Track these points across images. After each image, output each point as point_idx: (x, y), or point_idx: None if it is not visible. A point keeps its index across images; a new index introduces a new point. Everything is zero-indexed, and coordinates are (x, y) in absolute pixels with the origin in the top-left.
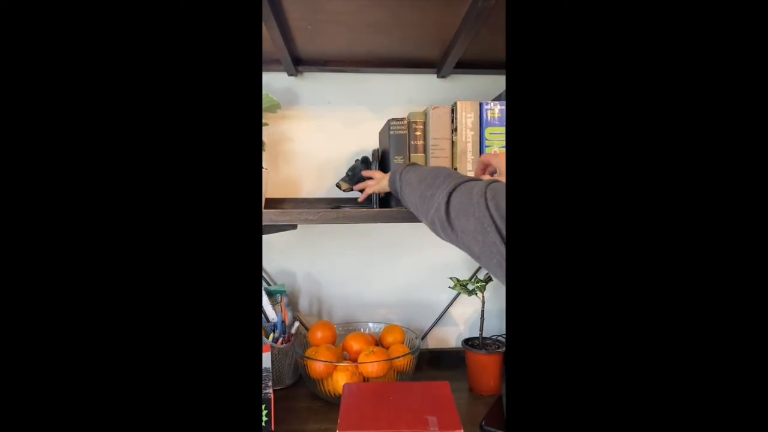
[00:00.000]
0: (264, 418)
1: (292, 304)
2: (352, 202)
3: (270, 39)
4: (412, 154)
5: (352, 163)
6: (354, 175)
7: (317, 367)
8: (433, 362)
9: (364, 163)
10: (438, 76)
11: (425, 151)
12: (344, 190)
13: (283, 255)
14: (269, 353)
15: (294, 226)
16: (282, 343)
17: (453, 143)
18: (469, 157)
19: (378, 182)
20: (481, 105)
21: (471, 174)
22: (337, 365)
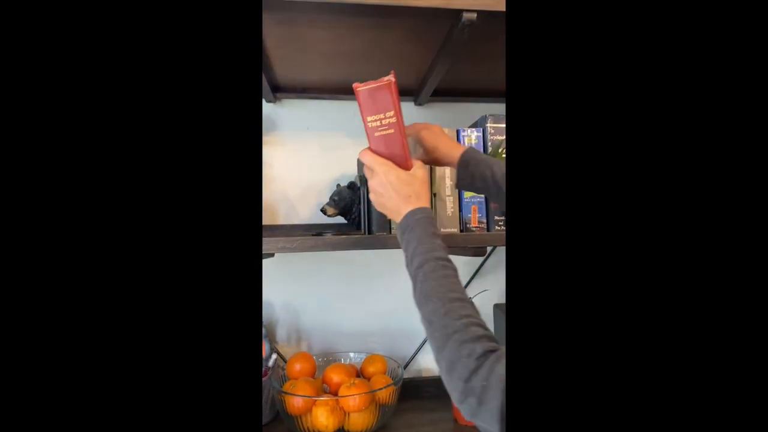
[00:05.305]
0: None
1: (270, 336)
2: (334, 228)
3: None
4: None
5: (332, 189)
6: (341, 200)
7: (295, 403)
8: (417, 391)
9: (351, 188)
10: (415, 104)
11: None
12: (330, 215)
13: None
14: None
15: (271, 254)
16: None
17: (431, 169)
18: (447, 182)
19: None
20: (458, 131)
21: (450, 201)
22: (316, 400)
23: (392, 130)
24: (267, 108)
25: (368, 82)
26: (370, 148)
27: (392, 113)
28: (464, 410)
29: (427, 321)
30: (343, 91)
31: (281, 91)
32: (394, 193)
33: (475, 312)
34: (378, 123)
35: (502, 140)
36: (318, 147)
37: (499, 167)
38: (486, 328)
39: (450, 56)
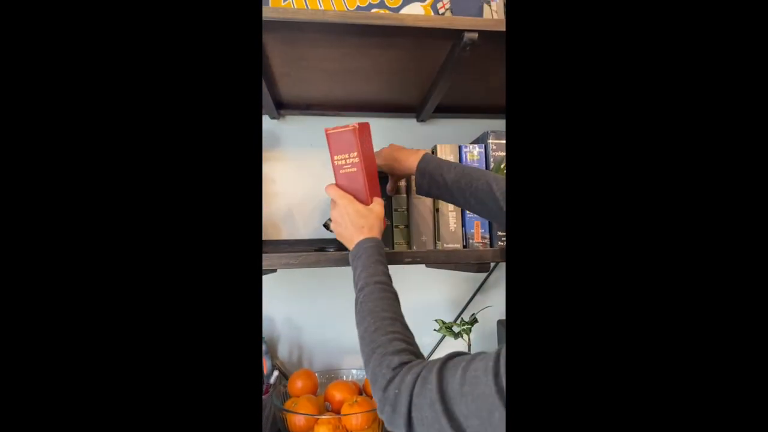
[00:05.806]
0: None
1: (271, 352)
2: (336, 243)
3: None
4: (393, 197)
5: None
6: None
7: (297, 421)
8: None
9: None
10: (418, 120)
11: (407, 193)
12: (331, 231)
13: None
14: None
15: (273, 270)
16: None
17: None
18: None
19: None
20: (460, 148)
21: (453, 223)
22: (318, 418)
23: (355, 169)
24: (271, 124)
25: (337, 126)
26: (336, 183)
27: (356, 154)
28: (384, 419)
29: (361, 337)
30: (346, 108)
31: (285, 107)
32: (350, 224)
33: (404, 329)
34: (343, 162)
35: (504, 156)
36: (321, 163)
37: (449, 171)
38: (410, 344)
39: (452, 74)
